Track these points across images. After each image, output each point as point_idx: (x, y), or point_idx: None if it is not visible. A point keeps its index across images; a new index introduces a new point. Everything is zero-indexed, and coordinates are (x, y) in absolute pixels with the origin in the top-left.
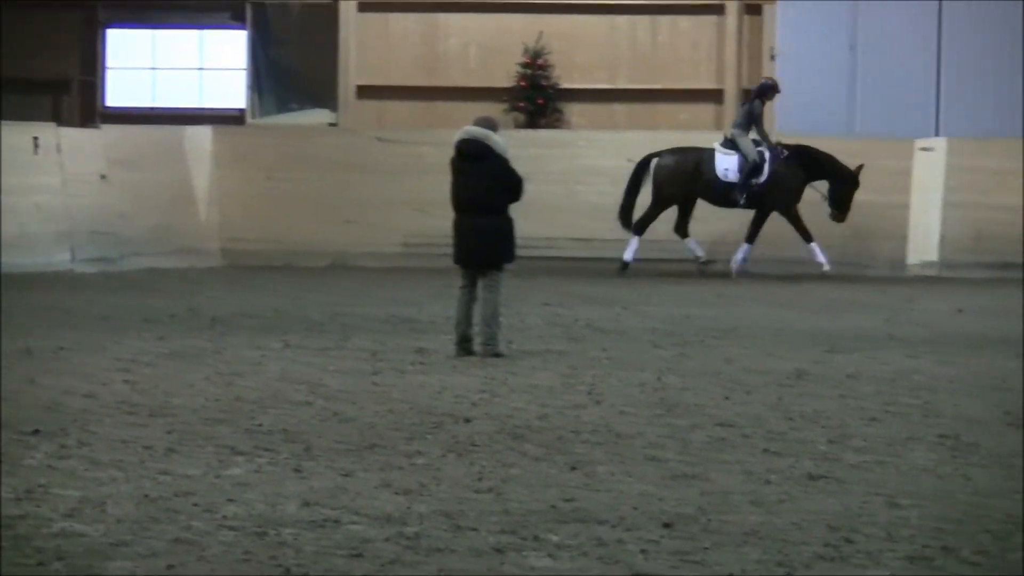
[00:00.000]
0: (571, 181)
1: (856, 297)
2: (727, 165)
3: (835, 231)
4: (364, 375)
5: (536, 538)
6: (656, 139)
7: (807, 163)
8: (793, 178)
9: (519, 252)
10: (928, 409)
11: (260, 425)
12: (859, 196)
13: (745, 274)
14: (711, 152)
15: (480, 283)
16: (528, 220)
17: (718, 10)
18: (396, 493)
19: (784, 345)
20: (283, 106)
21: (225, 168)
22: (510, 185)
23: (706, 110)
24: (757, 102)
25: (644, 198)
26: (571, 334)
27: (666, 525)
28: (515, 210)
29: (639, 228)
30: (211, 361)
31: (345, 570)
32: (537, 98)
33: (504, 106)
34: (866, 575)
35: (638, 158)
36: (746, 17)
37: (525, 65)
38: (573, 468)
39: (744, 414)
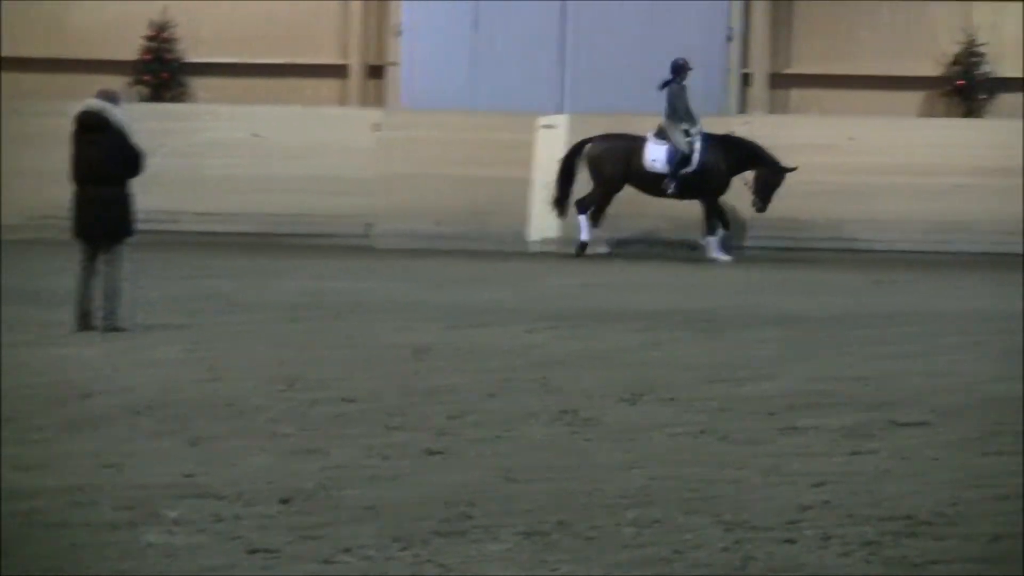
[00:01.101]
0: (195, 155)
1: (479, 273)
2: (655, 155)
3: (457, 206)
4: None
5: (154, 514)
6: (281, 114)
7: (735, 152)
8: (721, 167)
9: (142, 226)
10: (547, 384)
11: None
12: (480, 171)
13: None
14: (643, 141)
15: (101, 257)
16: (151, 194)
17: None
18: (16, 469)
19: (409, 320)
20: None
21: None
22: (129, 158)
23: (331, 85)
24: (674, 85)
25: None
26: (195, 308)
27: (284, 501)
28: (137, 184)
29: (595, 217)
30: None
31: None
32: (161, 72)
33: (129, 79)
34: (483, 549)
35: (264, 132)
36: None
37: (150, 38)
38: (193, 444)
39: (366, 389)
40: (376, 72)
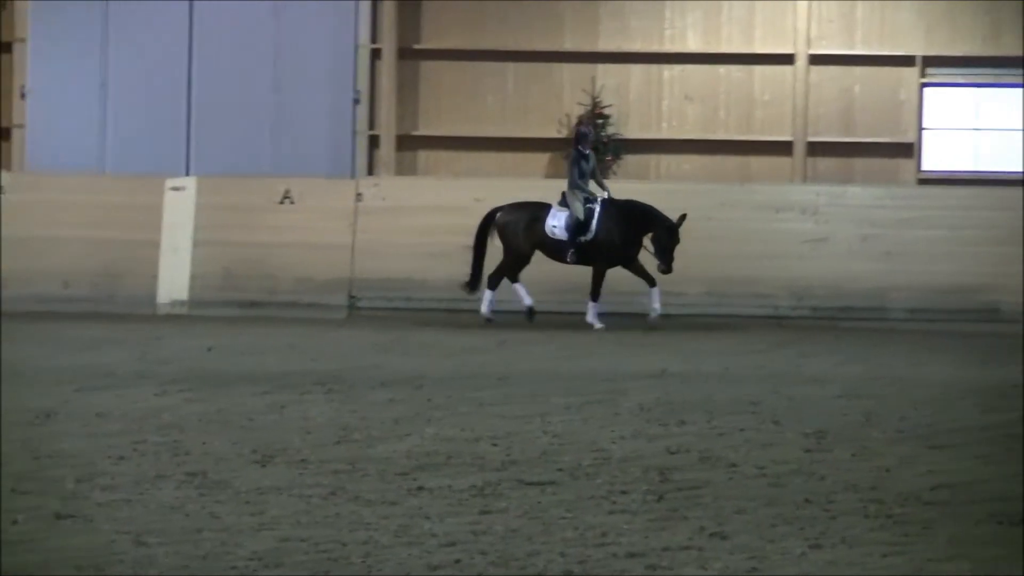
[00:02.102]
0: None
1: (107, 335)
2: (555, 222)
3: (86, 269)
4: None
5: None
6: None
7: (631, 216)
8: (615, 234)
9: None
10: (176, 447)
11: None
12: (109, 234)
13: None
14: (547, 209)
15: None
16: None
17: None
18: None
19: (35, 383)
20: None
21: None
22: None
23: None
24: (574, 152)
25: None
26: None
27: None
28: None
29: (492, 283)
30: None
31: None
32: None
33: None
34: None
35: None
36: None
37: None
38: None
39: None
40: (2, 134)
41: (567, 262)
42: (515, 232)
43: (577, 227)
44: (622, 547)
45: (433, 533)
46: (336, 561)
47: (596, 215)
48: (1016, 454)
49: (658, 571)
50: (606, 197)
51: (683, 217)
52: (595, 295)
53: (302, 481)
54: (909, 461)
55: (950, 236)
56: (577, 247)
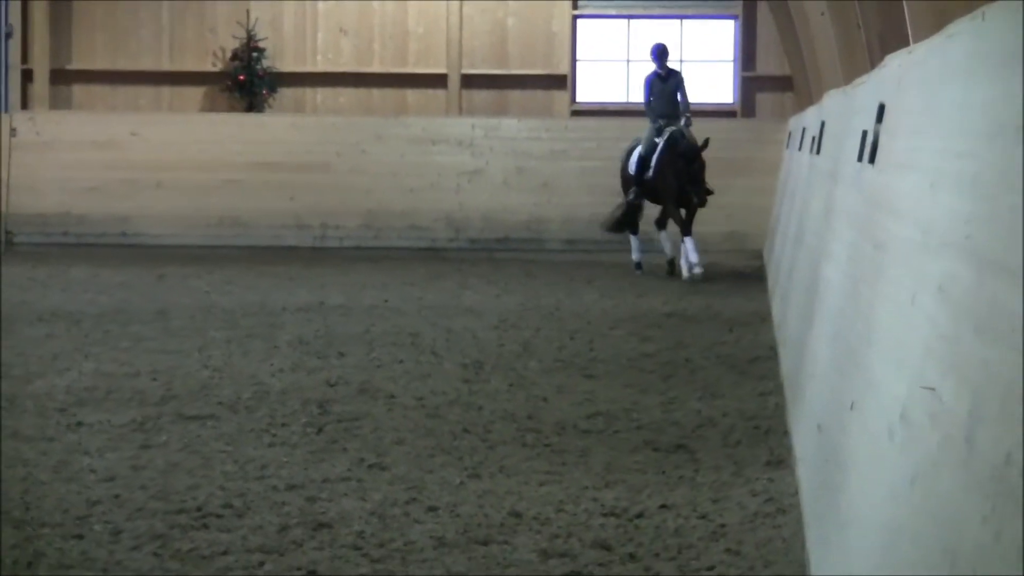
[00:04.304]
0: None
1: None
2: (634, 157)
3: None
4: None
5: None
6: None
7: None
8: (668, 168)
9: None
10: None
11: None
12: None
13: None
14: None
15: None
16: None
17: None
18: None
19: None
20: None
21: None
22: None
23: None
24: (651, 74)
25: None
26: None
27: None
28: None
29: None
30: None
31: None
32: None
33: None
34: None
35: None
36: None
37: None
38: None
39: None
40: None
41: (631, 201)
42: (623, 168)
43: (640, 163)
44: (282, 479)
45: (92, 469)
46: None
47: (658, 151)
48: (670, 382)
49: (317, 503)
50: (681, 125)
51: (707, 141)
52: (686, 230)
53: None
54: (566, 390)
55: (601, 167)
56: (640, 184)
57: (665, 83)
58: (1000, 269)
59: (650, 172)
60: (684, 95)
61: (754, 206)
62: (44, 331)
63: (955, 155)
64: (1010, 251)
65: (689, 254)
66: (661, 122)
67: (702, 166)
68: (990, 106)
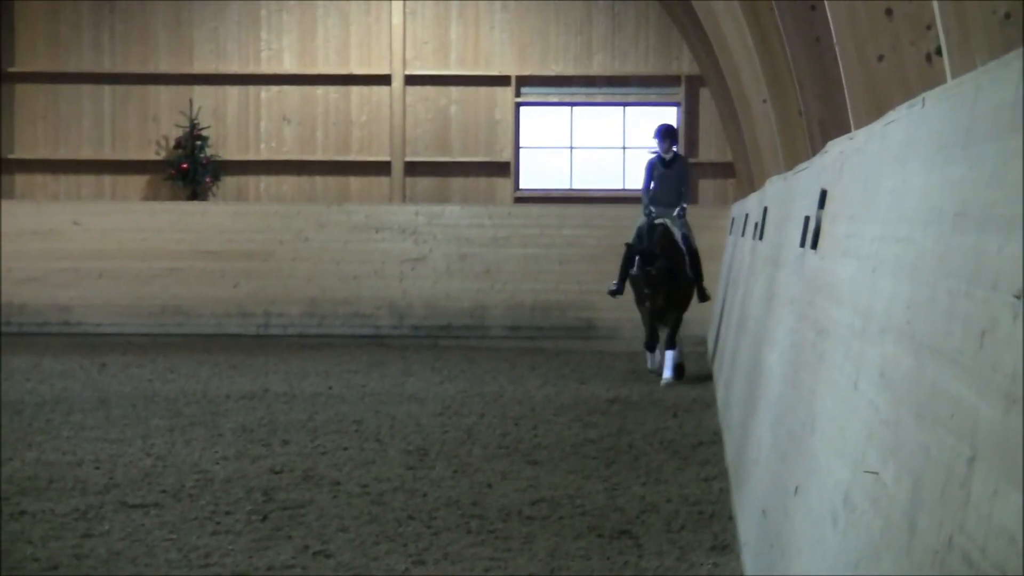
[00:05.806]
0: None
1: None
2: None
3: None
4: None
5: None
6: None
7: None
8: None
9: None
10: None
11: None
12: None
13: None
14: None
15: None
16: None
17: None
18: None
19: None
20: None
21: None
22: None
23: None
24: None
25: None
26: None
27: None
28: None
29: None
30: None
31: None
32: None
33: None
34: None
35: None
36: None
37: None
38: None
39: None
40: None
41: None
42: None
43: (626, 256)
44: (226, 568)
45: (35, 557)
46: None
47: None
48: (614, 468)
49: None
50: (674, 216)
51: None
52: (669, 342)
53: None
54: (510, 477)
55: (544, 254)
56: (622, 280)
57: (668, 168)
58: (939, 354)
59: (634, 268)
60: (687, 185)
61: None
62: None
63: (894, 240)
64: (949, 336)
65: (665, 370)
66: (654, 212)
67: (682, 257)
68: (927, 192)
